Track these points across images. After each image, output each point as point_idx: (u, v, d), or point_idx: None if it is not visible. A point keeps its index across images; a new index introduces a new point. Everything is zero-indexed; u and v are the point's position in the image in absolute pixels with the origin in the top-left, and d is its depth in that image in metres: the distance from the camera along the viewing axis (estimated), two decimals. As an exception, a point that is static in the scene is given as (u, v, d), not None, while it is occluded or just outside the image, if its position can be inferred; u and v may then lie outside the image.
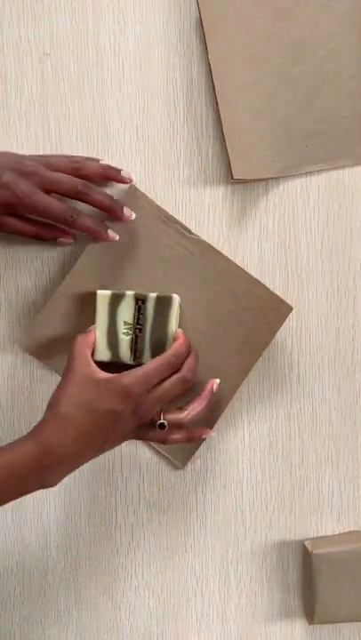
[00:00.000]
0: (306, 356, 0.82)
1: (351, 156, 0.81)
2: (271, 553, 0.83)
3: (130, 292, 0.77)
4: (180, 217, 0.81)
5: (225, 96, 0.78)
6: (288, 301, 0.81)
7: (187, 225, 0.80)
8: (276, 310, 0.79)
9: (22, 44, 0.79)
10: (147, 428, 0.74)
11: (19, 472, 0.67)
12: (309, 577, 0.80)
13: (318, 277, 0.82)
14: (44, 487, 0.69)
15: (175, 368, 0.74)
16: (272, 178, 0.81)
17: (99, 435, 0.70)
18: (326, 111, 0.80)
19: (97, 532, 0.83)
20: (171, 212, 0.80)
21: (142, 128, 0.80)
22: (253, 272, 0.81)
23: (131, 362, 0.77)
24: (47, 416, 0.70)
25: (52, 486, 0.70)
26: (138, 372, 0.71)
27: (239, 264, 0.80)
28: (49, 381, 0.81)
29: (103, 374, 0.71)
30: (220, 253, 0.80)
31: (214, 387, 0.77)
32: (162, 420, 0.73)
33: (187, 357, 0.75)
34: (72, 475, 0.82)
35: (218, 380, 0.78)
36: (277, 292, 0.81)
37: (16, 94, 0.80)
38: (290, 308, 0.79)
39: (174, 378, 0.73)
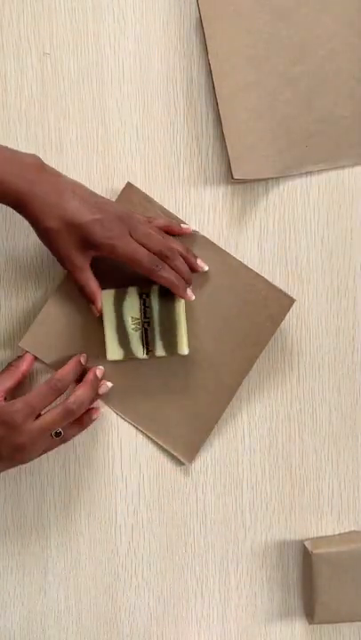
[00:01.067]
0: (306, 356, 0.82)
1: (351, 155, 0.81)
2: (271, 553, 0.83)
3: (133, 288, 0.77)
4: (180, 217, 0.81)
5: (225, 96, 0.78)
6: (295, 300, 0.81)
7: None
8: (278, 303, 0.79)
9: (22, 44, 0.79)
10: (39, 447, 0.74)
11: None
12: (309, 577, 0.80)
13: (318, 277, 0.82)
14: None
15: (60, 393, 0.74)
16: (272, 178, 0.81)
17: None
18: (326, 111, 0.80)
19: (97, 532, 0.83)
20: (170, 212, 0.80)
21: (142, 128, 0.80)
22: (253, 272, 0.81)
23: (144, 356, 0.77)
24: None
25: None
26: (21, 399, 0.72)
27: (249, 266, 0.80)
28: (49, 381, 0.82)
29: None
30: (220, 248, 0.80)
31: (97, 372, 0.78)
32: (58, 430, 0.74)
33: (79, 387, 0.76)
34: (72, 474, 0.82)
35: (101, 367, 0.78)
36: (277, 292, 0.81)
37: (16, 94, 0.80)
38: (292, 300, 0.79)
39: (57, 409, 0.73)
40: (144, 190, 0.80)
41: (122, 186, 0.80)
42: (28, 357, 0.79)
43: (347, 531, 0.83)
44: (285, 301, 0.79)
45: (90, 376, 0.77)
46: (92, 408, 0.79)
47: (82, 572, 0.83)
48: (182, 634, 0.83)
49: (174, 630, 0.83)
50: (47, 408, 0.73)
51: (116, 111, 0.80)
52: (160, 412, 0.81)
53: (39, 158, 0.72)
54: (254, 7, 0.78)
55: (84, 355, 0.79)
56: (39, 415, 0.73)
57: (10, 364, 0.78)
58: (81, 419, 0.78)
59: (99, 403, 0.81)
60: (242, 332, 0.80)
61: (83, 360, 0.78)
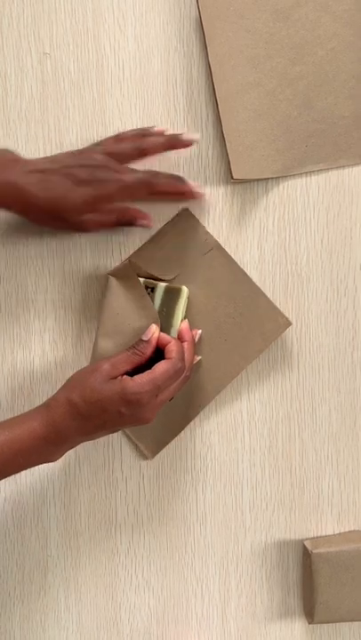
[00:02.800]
0: (306, 356, 0.82)
1: (351, 155, 0.81)
2: (271, 553, 0.83)
3: (141, 279, 0.77)
4: (180, 217, 0.81)
5: (225, 96, 0.78)
6: (288, 302, 0.81)
7: (187, 225, 0.81)
8: (274, 322, 0.79)
9: (22, 45, 0.79)
10: (156, 413, 0.74)
11: (26, 447, 0.70)
12: (309, 577, 0.80)
13: (318, 277, 0.82)
14: (46, 462, 0.73)
15: (181, 373, 0.73)
16: (272, 178, 0.81)
17: (102, 427, 0.72)
18: (326, 111, 0.80)
19: (97, 532, 0.83)
20: (171, 213, 0.80)
21: (142, 128, 0.80)
22: (253, 272, 0.81)
23: None
24: (61, 398, 0.72)
25: (53, 461, 0.73)
26: (148, 380, 0.71)
27: (239, 264, 0.80)
28: (49, 381, 0.81)
29: (119, 378, 0.71)
30: (228, 254, 0.80)
31: (196, 336, 0.79)
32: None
33: (188, 350, 0.75)
34: (72, 474, 0.82)
35: (199, 331, 0.79)
36: (277, 292, 0.81)
37: (16, 94, 0.80)
38: (288, 323, 0.79)
39: (179, 383, 0.73)
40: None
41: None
42: (154, 340, 0.75)
43: (347, 530, 0.83)
44: (282, 322, 0.79)
45: (195, 338, 0.78)
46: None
47: (82, 571, 0.83)
48: (182, 634, 0.83)
49: (174, 630, 0.83)
50: None
51: (116, 111, 0.80)
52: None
53: (11, 152, 0.74)
54: (254, 7, 0.78)
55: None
56: None
57: (134, 348, 0.74)
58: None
59: None
60: (233, 343, 0.80)
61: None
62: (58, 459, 0.73)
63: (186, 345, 0.75)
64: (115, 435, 0.82)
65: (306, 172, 0.81)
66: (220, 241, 0.81)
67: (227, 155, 0.79)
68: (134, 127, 0.80)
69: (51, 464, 0.82)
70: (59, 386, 0.81)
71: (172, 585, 0.83)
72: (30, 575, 0.83)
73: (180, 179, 0.78)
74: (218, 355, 0.80)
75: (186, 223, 0.80)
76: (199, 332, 0.79)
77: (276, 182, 0.81)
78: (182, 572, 0.83)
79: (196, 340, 0.78)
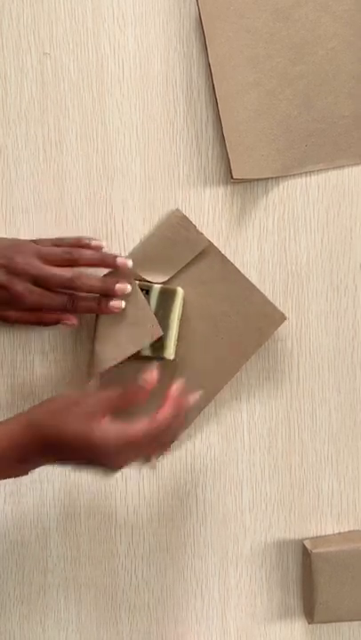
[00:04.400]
0: (306, 356, 0.82)
1: (351, 155, 0.81)
2: (271, 553, 0.83)
3: (135, 282, 0.77)
4: (180, 217, 0.81)
5: (225, 96, 0.78)
6: (288, 302, 0.81)
7: (187, 225, 0.81)
8: (270, 318, 0.79)
9: (22, 45, 0.79)
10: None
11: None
12: (309, 576, 0.80)
13: (318, 277, 0.82)
14: (12, 475, 0.70)
15: (158, 440, 0.71)
16: (272, 178, 0.81)
17: (66, 459, 0.70)
18: (326, 111, 0.80)
19: (97, 532, 0.83)
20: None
21: (142, 128, 0.80)
22: (253, 272, 0.81)
23: None
24: (35, 418, 0.69)
25: (22, 475, 0.70)
26: (120, 431, 0.68)
27: (239, 264, 0.80)
28: (49, 381, 0.81)
29: (96, 419, 0.69)
30: (221, 253, 0.80)
31: (191, 400, 0.73)
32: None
33: (175, 425, 0.72)
34: (72, 475, 0.82)
35: (198, 395, 0.74)
36: (277, 292, 0.81)
37: (16, 94, 0.80)
38: (283, 317, 0.79)
39: (156, 446, 0.73)
40: (144, 190, 0.80)
41: (121, 185, 0.80)
42: (149, 386, 0.71)
43: (346, 530, 0.83)
44: (277, 317, 0.79)
45: (182, 413, 0.73)
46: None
47: (82, 571, 0.83)
48: (182, 634, 0.83)
49: (174, 630, 0.83)
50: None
51: (116, 111, 0.80)
52: (138, 410, 0.81)
53: None
54: (254, 7, 0.78)
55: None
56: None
57: (126, 393, 0.71)
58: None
59: None
60: (229, 341, 0.80)
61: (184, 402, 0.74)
62: (25, 474, 0.70)
63: (178, 419, 0.72)
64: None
65: (306, 172, 0.81)
66: (220, 241, 0.81)
67: (227, 154, 0.79)
68: (134, 127, 0.80)
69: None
70: (59, 386, 0.81)
71: (172, 585, 0.83)
72: (30, 575, 0.83)
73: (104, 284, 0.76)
74: (216, 353, 0.80)
75: (177, 224, 0.80)
76: (197, 394, 0.74)
77: (276, 182, 0.81)
78: (182, 573, 0.83)
79: (192, 402, 0.73)
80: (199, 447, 0.82)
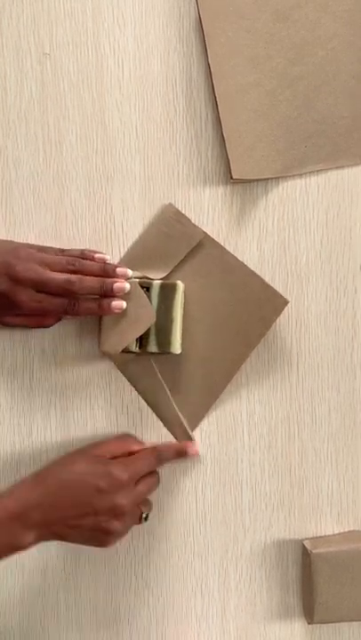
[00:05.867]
0: (305, 356, 0.82)
1: (351, 155, 0.81)
2: (271, 553, 0.83)
3: (135, 280, 0.77)
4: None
5: (225, 96, 0.78)
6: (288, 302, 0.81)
7: (187, 225, 0.81)
8: (272, 303, 0.79)
9: (22, 45, 0.79)
10: (131, 519, 0.75)
11: None
12: (309, 577, 0.80)
13: (318, 277, 0.82)
14: (15, 547, 0.70)
15: (160, 465, 0.77)
16: (272, 178, 0.81)
17: (76, 504, 0.71)
18: (326, 111, 0.80)
19: (97, 532, 0.83)
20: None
21: (142, 128, 0.80)
22: (253, 272, 0.81)
23: (136, 350, 0.78)
24: (42, 475, 0.73)
25: (23, 548, 0.70)
26: (128, 462, 0.74)
27: (246, 264, 0.81)
28: (49, 381, 0.81)
29: (103, 458, 0.74)
30: (218, 244, 0.80)
31: (190, 451, 0.79)
32: (145, 514, 0.76)
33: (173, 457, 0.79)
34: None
35: (196, 449, 0.80)
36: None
37: (16, 94, 0.80)
38: (285, 302, 0.79)
39: (154, 478, 0.77)
40: (144, 190, 0.80)
41: (121, 185, 0.80)
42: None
43: (346, 530, 0.83)
44: (279, 302, 0.79)
45: (184, 454, 0.79)
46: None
47: (82, 571, 0.83)
48: (182, 633, 0.83)
49: (174, 630, 0.83)
50: None
51: (116, 111, 0.80)
52: (148, 408, 0.82)
53: None
54: (254, 7, 0.78)
55: (192, 444, 0.80)
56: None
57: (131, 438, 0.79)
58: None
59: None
60: (234, 330, 0.80)
61: (190, 450, 0.79)
62: (28, 546, 0.70)
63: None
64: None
65: (306, 173, 0.81)
66: (220, 241, 0.81)
67: (226, 155, 0.79)
68: (134, 127, 0.80)
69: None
70: (58, 385, 0.81)
71: (172, 585, 0.83)
72: (30, 575, 0.83)
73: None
74: (221, 344, 0.80)
75: (171, 218, 0.80)
76: (196, 448, 0.81)
77: (275, 182, 0.81)
78: (182, 572, 0.83)
79: (192, 453, 0.79)
80: (199, 447, 0.82)
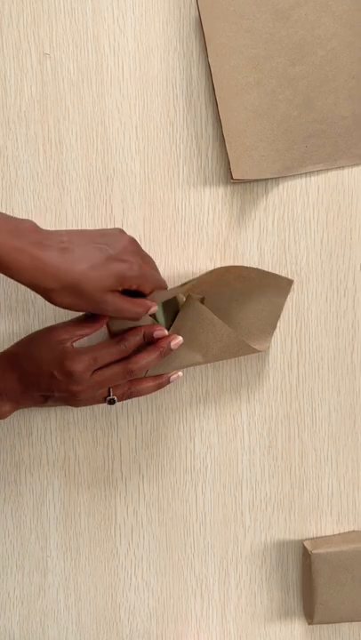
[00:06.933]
0: (306, 356, 0.82)
1: (351, 156, 0.81)
2: (271, 553, 0.83)
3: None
4: (179, 217, 0.81)
5: (225, 96, 0.78)
6: (288, 302, 0.81)
7: (186, 225, 0.80)
8: (276, 287, 0.79)
9: (22, 45, 0.79)
10: (91, 399, 0.75)
11: None
12: (309, 577, 0.80)
13: (318, 277, 0.82)
14: None
15: (125, 355, 0.74)
16: (272, 178, 0.81)
17: (37, 385, 0.73)
18: (326, 111, 0.80)
19: (97, 532, 0.83)
20: (170, 213, 0.80)
21: (142, 128, 0.80)
22: (253, 272, 0.81)
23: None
24: (10, 349, 0.75)
25: (1, 417, 0.74)
26: (86, 352, 0.72)
27: (239, 264, 0.80)
28: (49, 381, 0.82)
29: (65, 345, 0.73)
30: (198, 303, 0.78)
31: (172, 343, 0.75)
32: (111, 397, 0.75)
33: (146, 350, 0.75)
34: (72, 474, 0.82)
35: (180, 338, 0.76)
36: (277, 293, 0.81)
37: (16, 94, 0.80)
38: (290, 282, 0.79)
39: (117, 367, 0.74)
40: (144, 191, 0.80)
41: (121, 185, 0.80)
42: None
43: (346, 531, 0.83)
44: (284, 283, 0.80)
45: (162, 343, 0.75)
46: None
47: (82, 571, 0.83)
48: (182, 634, 0.83)
49: (174, 630, 0.83)
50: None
51: (116, 111, 0.80)
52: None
53: (33, 222, 0.69)
54: (254, 7, 0.78)
55: (163, 328, 0.76)
56: (99, 368, 0.73)
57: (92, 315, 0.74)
58: (159, 376, 0.78)
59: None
60: (248, 322, 0.80)
61: (158, 333, 0.75)
62: (5, 414, 0.74)
63: (133, 334, 0.75)
64: (115, 435, 0.82)
65: (306, 173, 0.81)
66: (220, 241, 0.81)
67: (227, 155, 0.79)
68: (134, 127, 0.80)
69: (51, 464, 0.82)
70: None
71: (172, 585, 0.83)
72: (30, 575, 0.83)
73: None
74: (240, 337, 0.79)
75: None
76: (179, 338, 0.76)
77: (275, 182, 0.81)
78: (182, 573, 0.83)
79: (173, 347, 0.75)
80: (199, 447, 0.82)
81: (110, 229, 0.74)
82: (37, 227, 0.69)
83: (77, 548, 0.83)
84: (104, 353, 0.73)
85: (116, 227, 0.78)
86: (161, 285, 0.75)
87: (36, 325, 0.81)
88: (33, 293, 0.80)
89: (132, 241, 0.73)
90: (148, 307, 0.73)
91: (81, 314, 0.74)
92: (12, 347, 0.75)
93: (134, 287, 0.71)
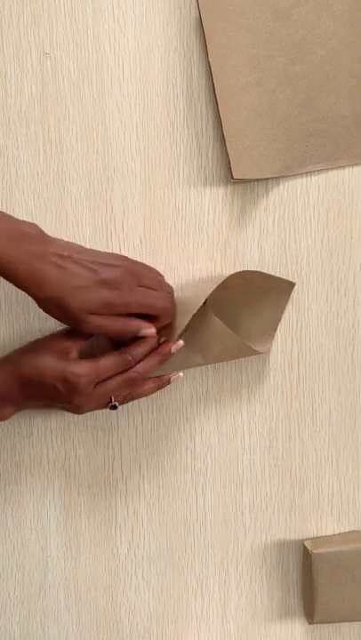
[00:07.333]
0: (306, 356, 0.82)
1: (351, 155, 0.81)
2: (271, 553, 0.83)
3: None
4: (180, 217, 0.81)
5: (225, 96, 0.78)
6: (288, 301, 0.81)
7: (187, 225, 0.80)
8: (278, 289, 0.79)
9: (22, 45, 0.79)
10: (94, 407, 0.75)
11: None
12: (309, 577, 0.80)
13: (318, 277, 0.82)
14: None
15: (129, 367, 0.74)
16: (272, 178, 0.81)
17: (40, 396, 0.73)
18: (326, 111, 0.80)
19: (97, 533, 0.83)
20: (171, 213, 0.80)
21: (142, 128, 0.80)
22: (253, 272, 0.81)
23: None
24: (13, 356, 0.75)
25: (2, 419, 0.75)
26: (90, 366, 0.72)
27: (239, 264, 0.81)
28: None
29: (69, 356, 0.73)
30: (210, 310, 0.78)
31: (172, 348, 0.76)
32: (113, 402, 0.75)
33: (147, 357, 0.75)
34: (72, 474, 0.82)
35: (181, 342, 0.76)
36: (277, 292, 0.81)
37: (16, 94, 0.80)
38: (291, 284, 0.80)
39: (120, 377, 0.74)
40: (144, 192, 0.80)
41: (121, 185, 0.80)
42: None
43: (347, 530, 0.83)
44: (284, 286, 0.80)
45: (164, 350, 0.76)
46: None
47: (82, 571, 0.83)
48: (182, 634, 0.83)
49: (174, 630, 0.83)
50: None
51: (116, 111, 0.80)
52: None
53: (38, 227, 0.71)
54: (254, 7, 0.78)
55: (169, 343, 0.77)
56: (102, 380, 0.74)
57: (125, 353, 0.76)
58: (160, 378, 0.78)
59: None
60: (250, 324, 0.80)
61: (158, 340, 0.76)
62: (6, 416, 0.74)
63: (141, 345, 0.75)
64: (115, 435, 0.82)
65: (306, 172, 0.81)
66: (220, 241, 0.81)
67: (227, 155, 0.79)
68: (134, 127, 0.80)
69: (51, 464, 0.82)
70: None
71: (172, 585, 0.83)
72: (30, 576, 0.83)
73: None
74: (241, 338, 0.79)
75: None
76: (180, 342, 0.76)
77: (276, 182, 0.81)
78: (182, 573, 0.83)
79: (173, 350, 0.76)
80: (199, 447, 0.82)
81: (113, 254, 0.75)
82: (42, 234, 0.71)
83: (78, 548, 0.83)
84: (108, 365, 0.73)
85: (122, 254, 0.79)
86: (162, 307, 0.75)
87: (35, 325, 0.81)
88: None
89: (129, 269, 0.73)
90: (132, 325, 0.73)
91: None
92: (15, 354, 0.75)
93: (124, 313, 0.72)
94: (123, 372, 0.74)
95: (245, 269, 0.80)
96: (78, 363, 0.72)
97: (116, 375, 0.74)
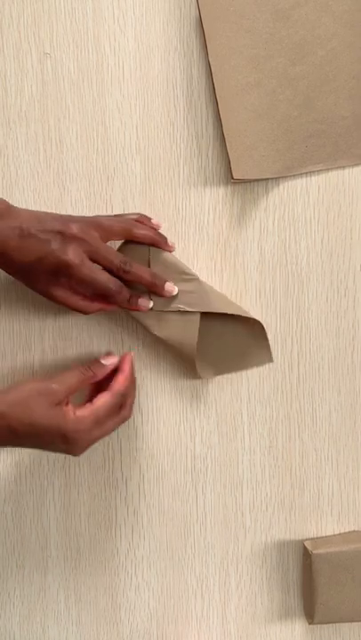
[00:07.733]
0: (306, 356, 0.82)
1: (351, 156, 0.81)
2: (271, 553, 0.83)
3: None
4: (180, 217, 0.81)
5: (225, 96, 0.78)
6: (288, 302, 0.81)
7: (187, 225, 0.80)
8: (258, 352, 0.81)
9: (22, 45, 0.79)
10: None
11: None
12: (309, 577, 0.80)
13: (318, 277, 0.82)
14: None
15: (120, 408, 0.74)
16: (272, 178, 0.81)
17: (33, 445, 0.71)
18: (326, 111, 0.80)
19: (97, 532, 0.83)
20: (171, 213, 0.80)
21: (142, 128, 0.80)
22: (253, 272, 0.81)
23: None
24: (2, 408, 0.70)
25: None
26: (89, 414, 0.71)
27: (239, 264, 0.81)
28: (49, 381, 0.81)
29: (63, 408, 0.71)
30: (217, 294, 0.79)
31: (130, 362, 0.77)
32: None
33: (130, 395, 0.76)
34: (72, 475, 0.82)
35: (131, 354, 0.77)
36: (277, 293, 0.81)
37: (16, 94, 0.80)
38: (260, 325, 0.80)
39: (116, 418, 0.74)
40: (144, 191, 0.80)
41: (121, 185, 0.80)
42: (110, 367, 0.76)
43: (347, 531, 0.83)
44: (265, 358, 0.82)
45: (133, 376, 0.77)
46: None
47: (82, 571, 0.83)
48: (182, 634, 0.83)
49: (174, 630, 0.83)
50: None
51: (116, 111, 0.80)
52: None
53: (6, 202, 0.72)
54: (254, 7, 0.78)
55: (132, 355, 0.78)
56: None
57: (88, 369, 0.75)
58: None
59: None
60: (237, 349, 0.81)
61: (132, 361, 0.77)
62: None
63: (128, 380, 0.75)
64: (114, 435, 0.82)
65: (306, 173, 0.81)
66: (220, 241, 0.81)
67: (227, 155, 0.79)
68: (134, 127, 0.80)
69: (51, 464, 0.82)
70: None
71: (172, 585, 0.83)
72: (30, 576, 0.83)
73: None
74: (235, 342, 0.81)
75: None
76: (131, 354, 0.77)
77: (276, 182, 0.81)
78: (182, 573, 0.83)
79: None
80: (200, 447, 0.82)
81: (65, 216, 0.75)
82: (7, 206, 0.72)
83: (78, 548, 0.83)
84: (106, 409, 0.72)
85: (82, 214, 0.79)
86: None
87: (36, 324, 0.81)
88: (33, 292, 0.80)
89: (61, 225, 0.73)
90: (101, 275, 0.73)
91: (67, 369, 0.75)
92: (4, 407, 0.70)
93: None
94: (120, 416, 0.74)
95: (256, 319, 0.80)
96: (76, 416, 0.71)
97: (112, 416, 0.73)
